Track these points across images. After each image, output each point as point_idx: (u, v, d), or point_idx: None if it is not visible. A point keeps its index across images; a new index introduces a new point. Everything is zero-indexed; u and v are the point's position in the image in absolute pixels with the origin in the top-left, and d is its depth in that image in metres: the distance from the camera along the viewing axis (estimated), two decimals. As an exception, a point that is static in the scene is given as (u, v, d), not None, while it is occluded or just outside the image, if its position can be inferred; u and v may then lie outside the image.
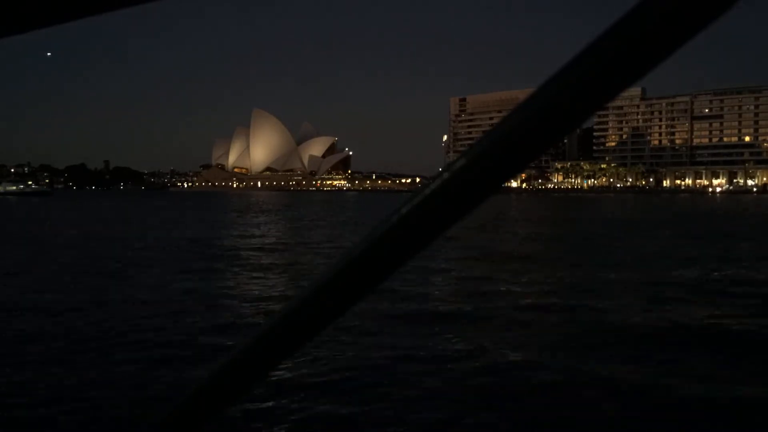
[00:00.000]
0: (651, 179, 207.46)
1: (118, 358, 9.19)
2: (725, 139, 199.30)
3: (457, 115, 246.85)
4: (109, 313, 12.40)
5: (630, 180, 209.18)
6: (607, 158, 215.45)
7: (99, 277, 17.68)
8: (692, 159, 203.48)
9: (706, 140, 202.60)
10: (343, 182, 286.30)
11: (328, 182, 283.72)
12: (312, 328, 0.46)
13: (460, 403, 7.40)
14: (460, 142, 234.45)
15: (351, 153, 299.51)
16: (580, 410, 7.26)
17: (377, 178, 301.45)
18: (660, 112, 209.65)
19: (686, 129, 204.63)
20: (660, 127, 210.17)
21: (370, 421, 6.84)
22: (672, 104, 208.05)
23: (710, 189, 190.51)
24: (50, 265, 20.46)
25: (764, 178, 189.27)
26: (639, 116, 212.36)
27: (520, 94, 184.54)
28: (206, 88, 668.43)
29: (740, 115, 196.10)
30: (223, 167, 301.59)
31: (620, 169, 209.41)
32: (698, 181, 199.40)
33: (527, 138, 0.38)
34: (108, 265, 20.52)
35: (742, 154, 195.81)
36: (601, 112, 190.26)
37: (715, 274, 18.37)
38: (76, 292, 15.05)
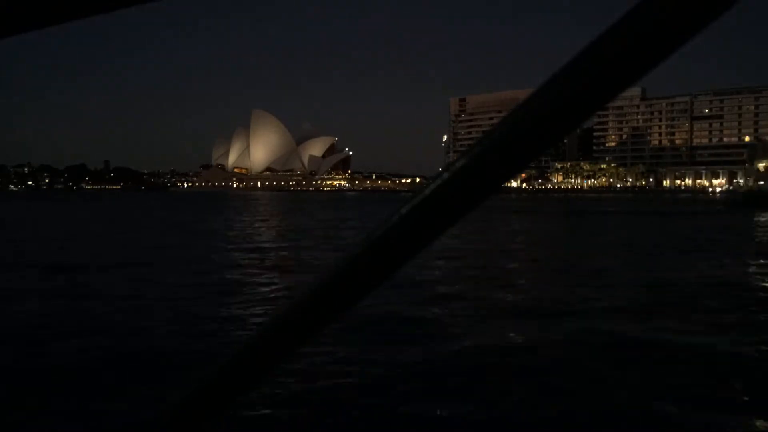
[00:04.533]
0: (651, 179, 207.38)
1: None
2: (725, 139, 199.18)
3: (457, 115, 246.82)
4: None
5: (630, 180, 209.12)
6: (607, 158, 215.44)
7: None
8: (692, 159, 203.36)
9: (706, 140, 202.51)
10: (343, 182, 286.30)
11: (328, 182, 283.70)
12: (312, 329, 0.46)
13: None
14: (460, 142, 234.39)
15: (351, 153, 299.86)
16: None
17: (377, 178, 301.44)
18: (660, 112, 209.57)
19: (686, 129, 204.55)
20: (660, 127, 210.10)
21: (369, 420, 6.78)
22: (672, 104, 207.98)
23: (710, 189, 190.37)
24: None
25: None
26: (639, 116, 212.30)
27: (520, 94, 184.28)
28: (206, 88, 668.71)
29: (740, 115, 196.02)
30: (223, 167, 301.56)
31: (620, 169, 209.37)
32: (698, 181, 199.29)
33: (527, 138, 0.38)
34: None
35: (742, 154, 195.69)
36: (601, 112, 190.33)
37: None
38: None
